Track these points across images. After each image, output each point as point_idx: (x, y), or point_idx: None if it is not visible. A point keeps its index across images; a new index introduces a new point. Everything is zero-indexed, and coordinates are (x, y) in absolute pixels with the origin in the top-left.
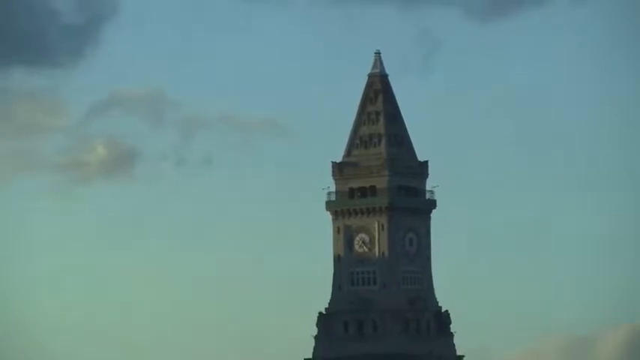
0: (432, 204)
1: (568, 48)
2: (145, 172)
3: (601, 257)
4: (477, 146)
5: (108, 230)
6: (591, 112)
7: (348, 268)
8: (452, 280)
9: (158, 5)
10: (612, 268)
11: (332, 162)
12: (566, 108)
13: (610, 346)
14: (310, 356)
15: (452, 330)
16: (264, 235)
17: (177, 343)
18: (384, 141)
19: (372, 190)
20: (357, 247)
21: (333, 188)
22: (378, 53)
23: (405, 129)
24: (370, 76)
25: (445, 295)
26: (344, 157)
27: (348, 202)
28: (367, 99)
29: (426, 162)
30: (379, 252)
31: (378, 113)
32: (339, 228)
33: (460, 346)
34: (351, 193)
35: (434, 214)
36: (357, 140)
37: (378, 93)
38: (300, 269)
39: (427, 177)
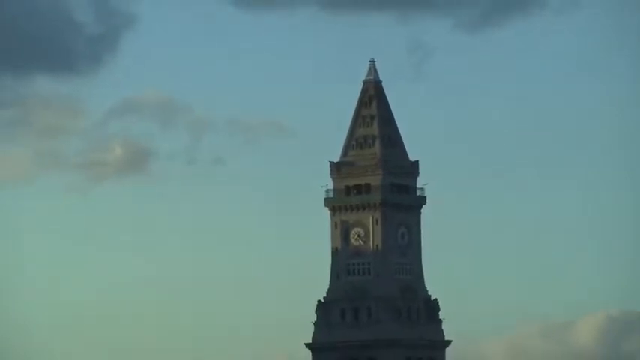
0: (423, 200)
1: (552, 56)
2: (158, 171)
3: (577, 250)
4: (464, 147)
5: (123, 225)
6: (576, 114)
7: (345, 260)
8: (440, 271)
9: (170, 17)
10: (588, 259)
11: (330, 162)
12: (551, 111)
13: (586, 332)
14: (310, 341)
15: (441, 317)
16: (268, 229)
17: (187, 328)
18: (378, 142)
19: (367, 187)
20: (353, 240)
21: (331, 186)
22: (372, 61)
23: (398, 131)
24: (365, 82)
25: (434, 284)
26: (341, 157)
27: (344, 199)
28: (362, 103)
29: (417, 162)
30: (373, 245)
31: (372, 117)
32: (336, 223)
33: (448, 331)
34: (348, 190)
35: (424, 209)
36: (353, 141)
37: (373, 98)
38: (300, 260)
39: (418, 176)
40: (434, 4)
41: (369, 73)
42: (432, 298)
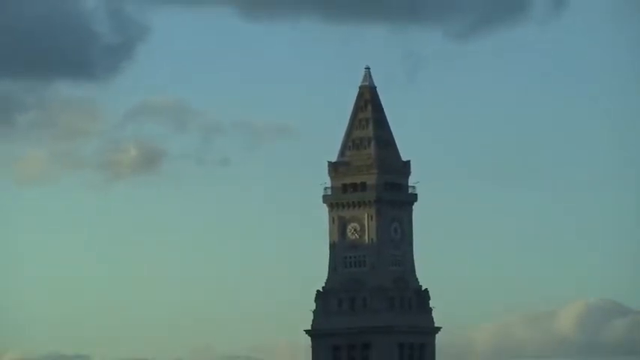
0: (414, 198)
1: (535, 63)
2: (170, 170)
3: (560, 243)
4: (453, 148)
5: (138, 219)
6: (557, 117)
7: (342, 253)
8: (431, 263)
9: (182, 27)
10: (569, 252)
11: (328, 162)
12: (534, 114)
13: (568, 320)
14: (309, 328)
15: (431, 305)
16: (271, 224)
17: (196, 314)
18: (372, 143)
19: (363, 185)
20: (349, 234)
21: (329, 184)
22: (367, 68)
23: (391, 133)
24: (361, 87)
25: (425, 275)
26: (338, 157)
27: (341, 196)
28: (358, 107)
29: (409, 161)
30: (368, 239)
31: (367, 120)
32: (334, 218)
33: (438, 319)
34: (345, 188)
35: (415, 206)
36: (350, 143)
37: (368, 102)
38: (300, 253)
39: (409, 174)
40: (425, 15)
41: (365, 79)
42: (423, 288)
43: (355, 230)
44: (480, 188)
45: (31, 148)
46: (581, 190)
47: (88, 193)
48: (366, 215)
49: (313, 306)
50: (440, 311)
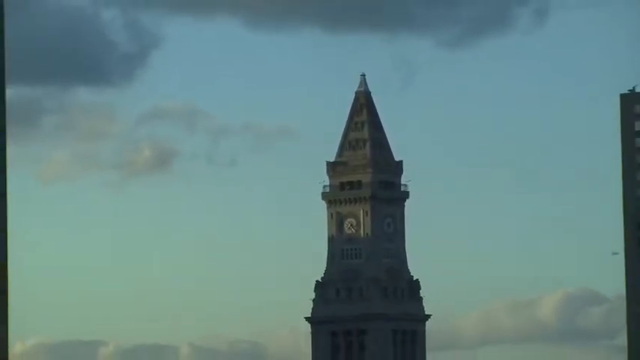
0: (406, 195)
1: (519, 70)
2: (182, 169)
3: (541, 237)
4: (443, 149)
5: (151, 214)
6: (540, 121)
7: (340, 246)
8: (422, 255)
9: (192, 37)
10: (550, 245)
11: (327, 161)
12: (518, 118)
13: (548, 308)
14: (309, 315)
15: (421, 295)
16: (274, 219)
17: (206, 302)
18: (368, 145)
19: (358, 183)
20: (346, 229)
21: (327, 182)
22: (363, 75)
23: (385, 135)
24: (357, 93)
25: (416, 267)
26: (336, 157)
27: (339, 194)
28: (354, 111)
29: (401, 161)
30: (364, 233)
31: (363, 123)
32: (332, 214)
33: (428, 307)
34: (342, 186)
35: (407, 203)
36: (347, 144)
37: (363, 107)
38: (301, 246)
39: (402, 173)
40: (417, 25)
41: (360, 85)
42: (414, 279)
43: (351, 225)
44: (467, 186)
45: (53, 150)
46: (561, 188)
47: (105, 190)
48: (361, 211)
49: (313, 295)
50: (430, 300)
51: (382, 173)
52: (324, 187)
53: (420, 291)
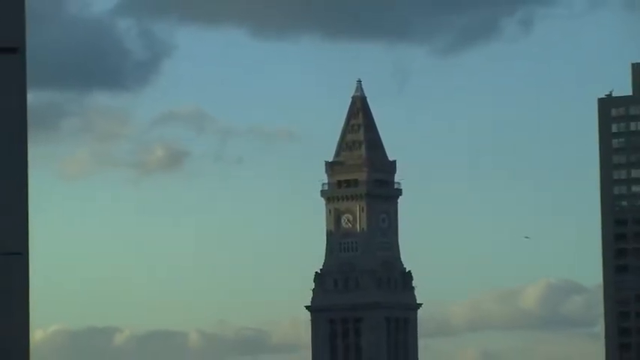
0: (400, 192)
1: (508, 75)
2: (192, 168)
3: (525, 230)
4: (434, 149)
5: (164, 209)
6: (528, 123)
7: (337, 240)
8: (414, 248)
9: (202, 46)
10: (533, 239)
11: (325, 161)
12: (507, 122)
13: (531, 297)
14: (309, 304)
15: (413, 285)
16: (276, 215)
17: (212, 291)
18: (363, 146)
19: (355, 182)
20: (343, 224)
21: (326, 181)
22: (359, 81)
23: (379, 137)
24: (353, 97)
25: (409, 259)
26: (334, 157)
27: (337, 191)
28: (351, 114)
29: (395, 161)
30: (360, 228)
31: (359, 125)
32: (330, 210)
33: (420, 297)
34: (339, 184)
35: (400, 200)
36: (344, 145)
37: (359, 110)
38: (301, 240)
39: (395, 172)
40: (412, 33)
41: (357, 90)
42: (407, 270)
43: (348, 220)
44: (456, 184)
45: (73, 150)
46: (544, 188)
47: (121, 187)
48: (357, 207)
49: (312, 285)
50: (421, 290)
51: (377, 172)
52: (323, 185)
53: (413, 281)
